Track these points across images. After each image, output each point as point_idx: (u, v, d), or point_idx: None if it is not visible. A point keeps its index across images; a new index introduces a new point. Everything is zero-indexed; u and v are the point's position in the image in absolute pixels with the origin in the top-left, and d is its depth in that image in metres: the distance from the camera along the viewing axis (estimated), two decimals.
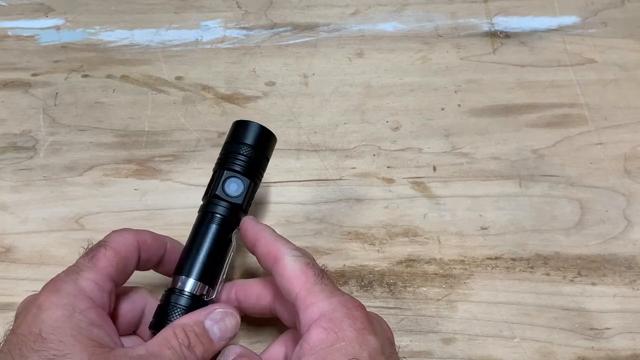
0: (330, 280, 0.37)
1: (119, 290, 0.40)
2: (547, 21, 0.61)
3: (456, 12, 0.62)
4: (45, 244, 0.48)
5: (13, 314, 0.38)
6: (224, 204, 0.42)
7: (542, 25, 0.61)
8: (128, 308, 0.41)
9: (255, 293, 0.41)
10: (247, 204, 0.43)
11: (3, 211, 0.50)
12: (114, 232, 0.40)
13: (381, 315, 0.39)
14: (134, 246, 0.39)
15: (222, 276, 0.41)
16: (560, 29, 0.61)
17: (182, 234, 0.49)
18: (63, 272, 0.38)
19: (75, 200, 0.51)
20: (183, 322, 0.38)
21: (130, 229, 0.41)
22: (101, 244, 0.39)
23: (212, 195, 0.43)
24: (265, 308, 0.41)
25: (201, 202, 0.44)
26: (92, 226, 0.49)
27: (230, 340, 0.39)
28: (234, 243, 0.42)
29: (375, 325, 0.36)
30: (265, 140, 0.44)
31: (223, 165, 0.43)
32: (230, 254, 0.42)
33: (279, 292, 0.39)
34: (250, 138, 0.43)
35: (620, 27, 0.61)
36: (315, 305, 0.35)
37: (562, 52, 0.59)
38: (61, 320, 0.34)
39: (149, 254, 0.41)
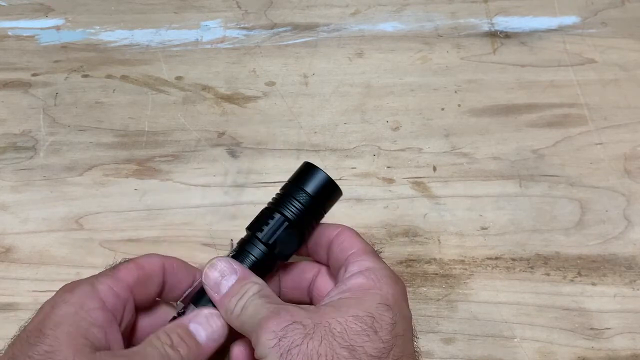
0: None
1: (147, 308, 0.40)
2: (547, 21, 0.61)
3: (456, 12, 0.62)
4: (45, 244, 0.48)
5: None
6: (267, 252, 0.39)
7: (542, 25, 0.61)
8: (148, 322, 0.40)
9: (296, 273, 0.42)
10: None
11: (3, 211, 0.50)
12: (145, 255, 0.40)
13: None
14: (158, 265, 0.39)
15: None
16: (560, 29, 0.61)
17: (182, 233, 0.49)
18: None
19: (75, 200, 0.51)
20: (166, 327, 0.37)
21: (159, 254, 0.41)
22: (126, 259, 0.39)
23: (262, 240, 0.40)
24: (303, 290, 0.42)
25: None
26: (92, 226, 0.49)
27: (219, 342, 0.38)
28: None
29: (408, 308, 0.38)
30: (332, 198, 0.42)
31: (287, 215, 0.40)
32: None
33: (319, 273, 0.41)
34: (323, 196, 0.41)
35: (620, 27, 0.61)
36: (365, 261, 0.37)
37: (562, 52, 0.59)
38: (64, 317, 0.34)
39: (175, 278, 0.40)
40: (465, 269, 0.47)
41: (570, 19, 0.61)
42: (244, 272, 0.38)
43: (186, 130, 0.54)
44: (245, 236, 0.41)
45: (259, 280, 0.38)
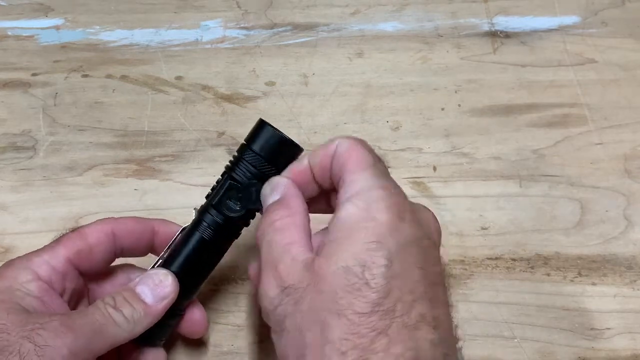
0: (385, 166, 0.37)
1: (101, 273, 0.41)
2: (547, 21, 0.61)
3: (456, 12, 0.62)
4: (45, 244, 0.48)
5: None
6: (220, 217, 0.40)
7: (542, 25, 0.61)
8: (110, 289, 0.41)
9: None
10: (246, 222, 0.41)
11: (3, 211, 0.50)
12: (95, 220, 0.41)
13: None
14: (105, 234, 0.40)
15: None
16: (560, 29, 0.61)
17: None
18: None
19: (75, 200, 0.51)
20: (114, 291, 0.38)
21: (112, 217, 0.41)
22: (73, 229, 0.40)
23: (211, 204, 0.40)
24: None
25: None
26: None
27: (169, 299, 0.38)
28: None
29: (417, 215, 0.35)
30: (290, 157, 0.41)
31: (231, 174, 0.40)
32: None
33: None
34: (272, 153, 0.40)
35: (621, 27, 0.61)
36: (355, 183, 0.35)
37: (562, 52, 0.59)
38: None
39: (130, 240, 0.41)
40: (465, 269, 0.47)
41: (570, 19, 0.61)
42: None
43: (186, 130, 0.54)
44: (203, 204, 0.41)
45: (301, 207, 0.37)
